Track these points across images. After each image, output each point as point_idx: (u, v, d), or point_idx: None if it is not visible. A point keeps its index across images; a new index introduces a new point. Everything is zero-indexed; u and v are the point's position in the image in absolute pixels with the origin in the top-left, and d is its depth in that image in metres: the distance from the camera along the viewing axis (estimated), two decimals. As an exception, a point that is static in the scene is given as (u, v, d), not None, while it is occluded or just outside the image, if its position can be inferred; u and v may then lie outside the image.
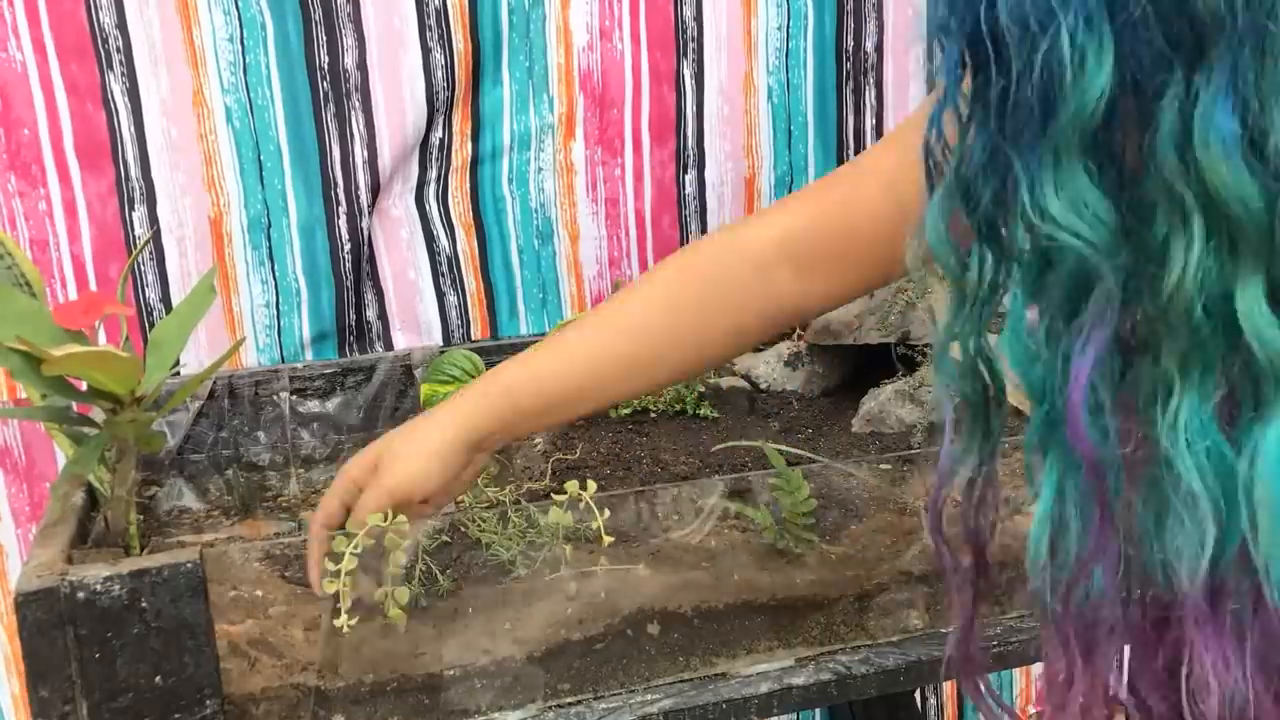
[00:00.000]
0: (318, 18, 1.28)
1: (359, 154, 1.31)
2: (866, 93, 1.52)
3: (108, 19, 1.21)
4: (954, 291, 0.56)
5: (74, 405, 0.94)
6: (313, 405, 1.31)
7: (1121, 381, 0.51)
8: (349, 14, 1.28)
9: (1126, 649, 0.59)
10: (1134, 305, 0.50)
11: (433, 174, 1.38)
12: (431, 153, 1.37)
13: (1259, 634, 0.50)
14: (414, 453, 0.81)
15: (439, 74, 1.32)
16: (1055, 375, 0.51)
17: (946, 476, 0.60)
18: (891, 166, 0.76)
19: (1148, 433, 0.51)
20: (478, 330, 1.43)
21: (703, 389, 1.34)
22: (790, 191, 1.50)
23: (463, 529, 0.88)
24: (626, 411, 1.30)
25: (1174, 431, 0.49)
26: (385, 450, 0.83)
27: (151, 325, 1.29)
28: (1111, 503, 0.51)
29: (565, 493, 0.86)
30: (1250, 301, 0.46)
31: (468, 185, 1.40)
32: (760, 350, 1.43)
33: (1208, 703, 0.50)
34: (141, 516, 1.02)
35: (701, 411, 1.29)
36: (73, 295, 1.26)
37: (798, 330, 1.44)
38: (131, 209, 1.26)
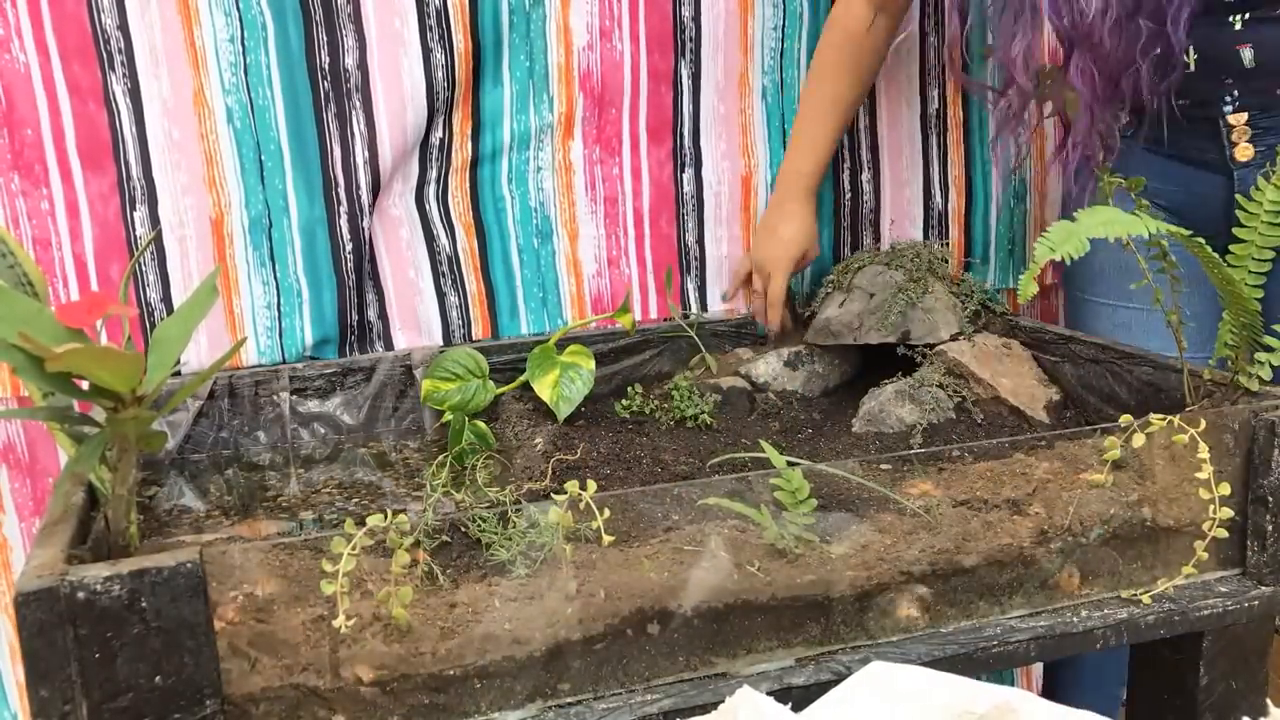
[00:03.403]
0: (318, 18, 1.28)
1: (359, 154, 1.31)
2: (866, 93, 1.52)
3: (109, 20, 1.22)
4: None
5: (75, 404, 0.94)
6: (313, 405, 1.31)
7: None
8: (349, 14, 1.28)
9: None
10: None
11: (433, 174, 1.38)
12: (431, 153, 1.37)
13: None
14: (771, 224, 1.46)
15: (439, 74, 1.32)
16: None
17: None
18: None
19: None
20: (478, 329, 1.43)
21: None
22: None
23: (463, 529, 0.88)
24: (627, 414, 1.30)
25: None
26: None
27: (153, 325, 1.29)
28: None
29: (565, 493, 0.86)
30: None
31: (468, 185, 1.40)
32: (760, 350, 1.43)
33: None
34: (141, 516, 1.02)
35: (702, 420, 1.28)
36: (74, 294, 1.26)
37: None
38: (133, 209, 1.27)
